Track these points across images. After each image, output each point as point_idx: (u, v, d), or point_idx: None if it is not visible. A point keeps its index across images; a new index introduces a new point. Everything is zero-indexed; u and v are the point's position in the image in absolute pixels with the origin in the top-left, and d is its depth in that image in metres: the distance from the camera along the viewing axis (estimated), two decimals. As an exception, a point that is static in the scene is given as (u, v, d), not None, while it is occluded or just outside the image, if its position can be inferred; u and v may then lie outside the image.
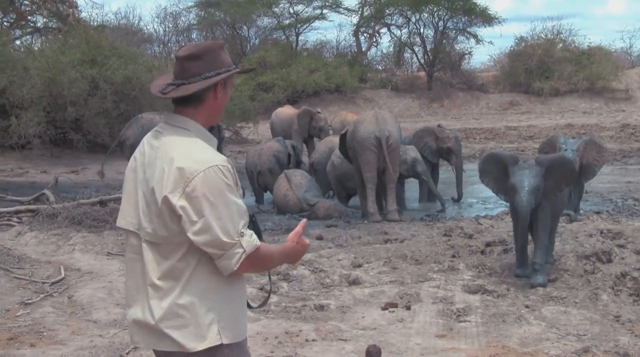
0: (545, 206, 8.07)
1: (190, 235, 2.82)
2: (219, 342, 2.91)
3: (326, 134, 18.07)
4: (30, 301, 7.23)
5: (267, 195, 14.90)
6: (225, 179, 2.85)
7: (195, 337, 2.89)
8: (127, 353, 5.84)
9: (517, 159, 8.14)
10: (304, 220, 3.28)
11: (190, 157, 2.86)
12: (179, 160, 2.85)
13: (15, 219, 11.00)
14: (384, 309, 7.10)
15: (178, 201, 2.81)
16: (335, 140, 14.46)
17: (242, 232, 2.86)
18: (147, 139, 3.09)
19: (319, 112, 19.16)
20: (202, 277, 2.91)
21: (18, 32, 26.80)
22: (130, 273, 3.07)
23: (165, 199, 2.83)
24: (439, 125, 15.67)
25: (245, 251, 2.85)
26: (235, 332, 2.99)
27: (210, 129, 3.13)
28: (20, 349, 5.94)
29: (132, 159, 3.11)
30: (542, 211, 8.01)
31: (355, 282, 8.14)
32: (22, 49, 24.07)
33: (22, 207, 11.58)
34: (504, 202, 10.21)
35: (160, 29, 45.48)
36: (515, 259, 8.34)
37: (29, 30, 26.77)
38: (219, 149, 13.82)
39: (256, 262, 2.93)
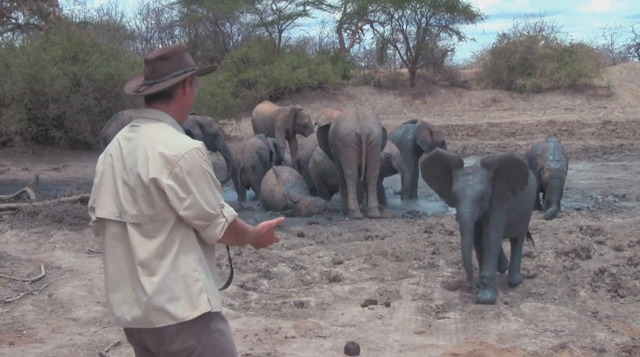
0: (495, 214, 7.37)
1: (179, 210, 3.14)
2: (209, 309, 3.20)
3: (310, 131, 18.09)
4: (10, 300, 7.20)
5: (249, 192, 14.93)
6: (204, 158, 3.21)
7: (188, 306, 3.17)
8: (107, 351, 5.85)
9: (462, 162, 7.42)
10: (282, 218, 3.73)
11: (171, 142, 3.20)
12: (161, 146, 3.17)
13: (-5, 217, 10.95)
14: (364, 306, 7.14)
15: (166, 181, 3.12)
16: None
17: (222, 204, 3.23)
18: (121, 135, 3.39)
19: (300, 109, 19.17)
20: (187, 252, 3.20)
21: (-1, 29, 26.65)
22: (112, 260, 3.30)
23: (154, 180, 3.13)
24: (415, 121, 15.88)
25: (227, 220, 3.21)
26: (217, 301, 3.27)
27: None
28: (-1, 347, 5.94)
29: (106, 156, 3.39)
30: (491, 218, 7.37)
31: (335, 279, 8.17)
32: (3, 46, 23.88)
33: (3, 205, 11.48)
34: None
35: (143, 25, 45.37)
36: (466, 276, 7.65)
37: (10, 26, 26.58)
38: (217, 143, 13.95)
39: (235, 231, 3.29)
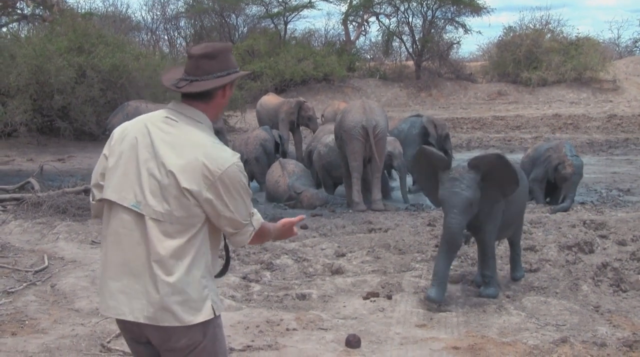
0: (491, 214, 7.05)
1: (214, 219, 3.19)
2: (212, 316, 3.22)
3: (315, 123, 18.11)
4: (12, 290, 7.22)
5: (254, 184, 14.92)
6: (242, 173, 3.22)
7: (194, 311, 3.17)
8: (109, 342, 5.85)
9: (448, 164, 6.94)
10: (303, 216, 3.91)
11: (213, 153, 3.15)
12: (203, 157, 3.12)
13: (-1, 208, 10.98)
14: (366, 298, 7.13)
15: (205, 193, 3.11)
16: (332, 128, 14.51)
17: (252, 213, 3.31)
18: (151, 122, 3.26)
19: (305, 102, 19.13)
20: (201, 258, 3.19)
21: (4, 20, 26.68)
22: (116, 247, 3.21)
23: (192, 190, 3.10)
24: (419, 115, 15.95)
25: (254, 228, 3.32)
26: (220, 305, 3.30)
27: None
28: (1, 337, 5.95)
29: (128, 136, 3.25)
30: (486, 219, 7.06)
31: (338, 272, 8.17)
32: (9, 37, 23.92)
33: (7, 196, 11.53)
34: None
35: (149, 16, 45.48)
36: (432, 279, 7.04)
37: (15, 17, 26.63)
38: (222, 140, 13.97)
39: (261, 236, 3.42)
